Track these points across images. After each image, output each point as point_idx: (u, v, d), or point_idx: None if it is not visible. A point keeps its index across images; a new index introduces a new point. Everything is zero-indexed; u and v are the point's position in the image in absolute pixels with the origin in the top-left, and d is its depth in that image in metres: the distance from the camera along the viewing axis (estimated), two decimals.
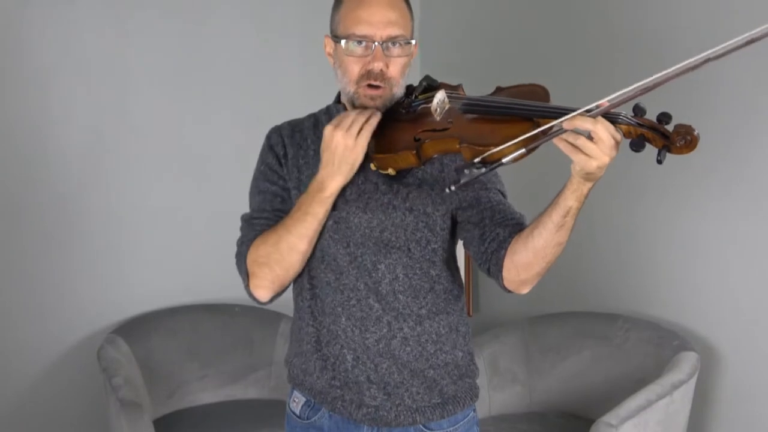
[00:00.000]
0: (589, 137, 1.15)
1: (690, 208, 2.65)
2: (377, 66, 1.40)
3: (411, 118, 1.43)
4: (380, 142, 1.41)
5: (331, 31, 1.48)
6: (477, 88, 1.47)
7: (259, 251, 1.45)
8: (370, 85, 1.42)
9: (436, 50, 3.46)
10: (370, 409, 1.48)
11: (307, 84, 2.67)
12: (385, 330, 1.46)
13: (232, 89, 3.20)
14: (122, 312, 3.03)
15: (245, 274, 1.48)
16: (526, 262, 1.34)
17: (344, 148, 1.37)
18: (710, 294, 2.62)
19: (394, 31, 1.40)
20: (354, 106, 1.46)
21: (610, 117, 1.15)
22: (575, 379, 2.81)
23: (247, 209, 1.56)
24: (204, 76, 3.15)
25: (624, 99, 1.12)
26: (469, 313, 3.31)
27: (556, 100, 1.29)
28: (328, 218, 1.44)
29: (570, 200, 1.25)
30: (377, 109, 1.42)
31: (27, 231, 2.87)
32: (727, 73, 2.46)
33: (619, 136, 1.16)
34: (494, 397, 2.84)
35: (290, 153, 1.52)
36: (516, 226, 1.40)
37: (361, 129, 1.38)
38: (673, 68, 1.07)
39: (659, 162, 1.14)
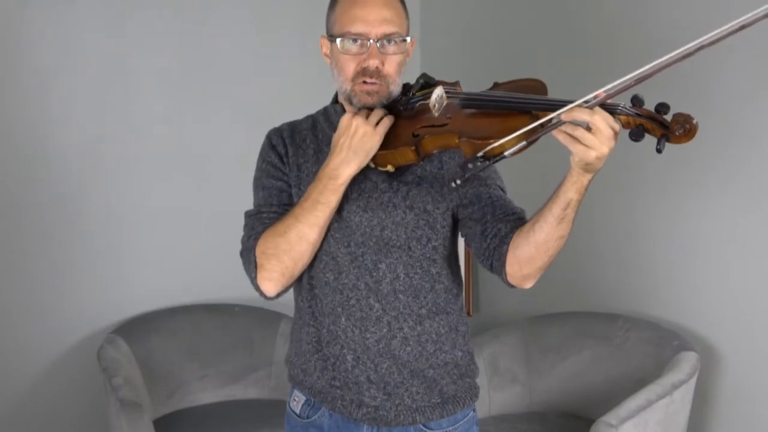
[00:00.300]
0: (588, 128, 1.15)
1: (690, 207, 2.64)
2: (373, 63, 1.41)
3: (409, 115, 1.43)
4: None
5: (327, 31, 1.48)
6: (477, 87, 1.47)
7: (268, 242, 1.43)
8: (366, 82, 1.42)
9: (436, 50, 3.46)
10: (369, 409, 1.48)
11: (307, 84, 2.67)
12: (385, 330, 1.46)
13: (232, 89, 3.21)
14: (122, 312, 3.03)
15: (253, 267, 1.45)
16: (528, 256, 1.34)
17: (363, 133, 1.38)
18: (710, 294, 2.62)
19: (389, 29, 1.41)
20: (351, 105, 1.46)
21: (609, 108, 1.16)
22: (575, 379, 2.81)
23: (246, 208, 1.55)
24: (204, 76, 3.15)
25: (620, 89, 1.12)
26: (469, 313, 3.32)
27: (554, 97, 1.29)
28: None
29: (570, 192, 1.25)
30: (375, 105, 1.43)
31: (27, 231, 2.88)
32: (726, 71, 2.46)
33: (617, 127, 1.16)
34: (494, 397, 2.84)
35: (290, 152, 1.52)
36: (517, 221, 1.40)
37: (378, 121, 1.40)
38: (668, 56, 1.07)
39: (659, 151, 1.14)
